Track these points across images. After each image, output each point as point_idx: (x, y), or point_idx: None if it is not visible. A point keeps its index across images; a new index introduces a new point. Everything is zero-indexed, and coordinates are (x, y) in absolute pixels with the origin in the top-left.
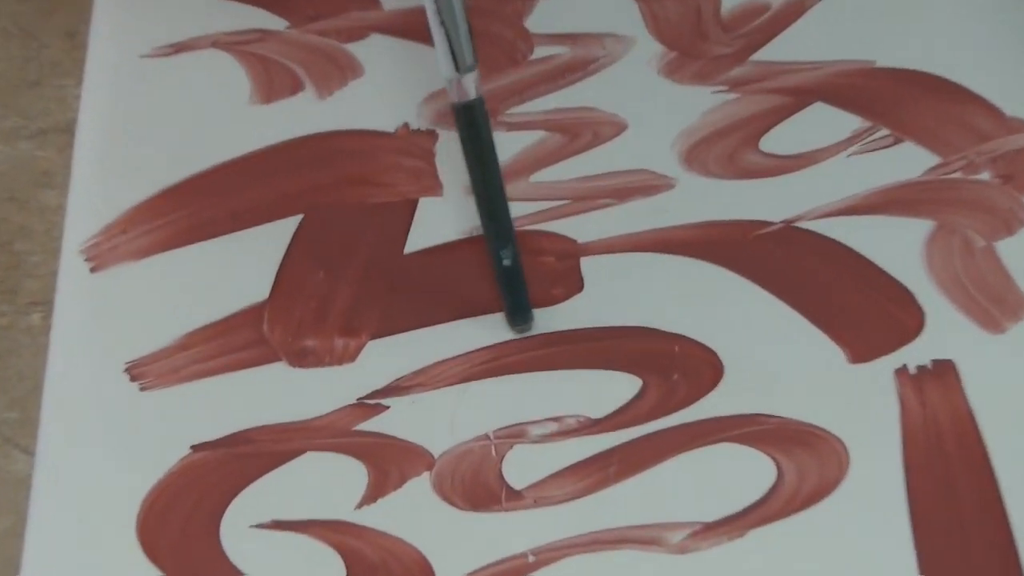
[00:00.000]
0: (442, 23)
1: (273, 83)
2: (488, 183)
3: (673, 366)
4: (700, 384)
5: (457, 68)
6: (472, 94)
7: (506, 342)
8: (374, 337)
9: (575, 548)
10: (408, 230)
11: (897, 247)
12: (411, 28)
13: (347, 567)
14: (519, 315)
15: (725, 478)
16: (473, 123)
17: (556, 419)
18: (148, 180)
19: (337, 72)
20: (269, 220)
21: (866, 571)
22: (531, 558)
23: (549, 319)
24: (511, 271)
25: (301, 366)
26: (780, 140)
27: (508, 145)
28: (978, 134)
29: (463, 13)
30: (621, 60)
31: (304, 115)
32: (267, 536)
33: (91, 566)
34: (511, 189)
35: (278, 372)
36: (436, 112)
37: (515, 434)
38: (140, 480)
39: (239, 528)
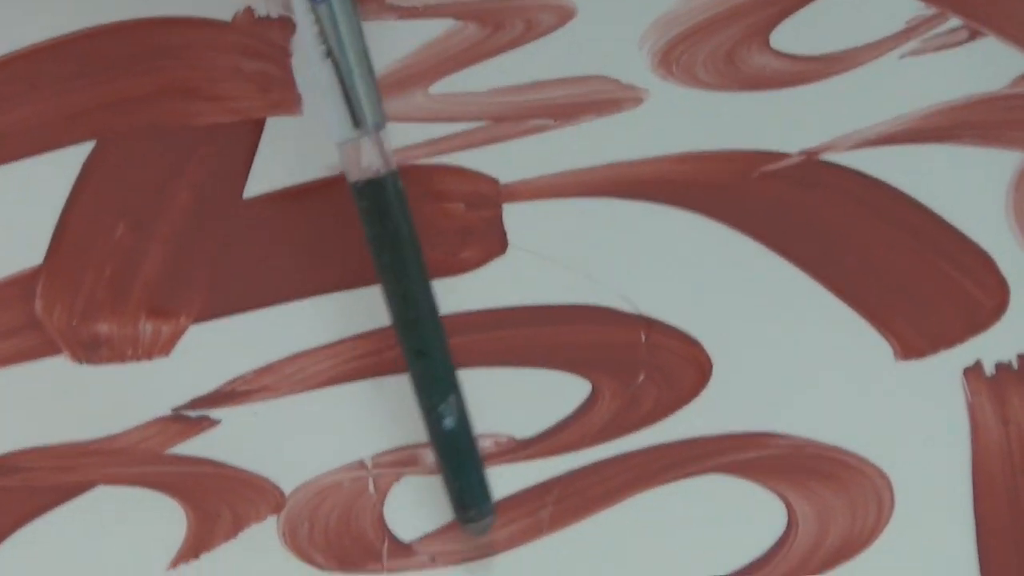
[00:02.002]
0: (335, 65)
1: None
2: (411, 299)
3: (638, 363)
4: (677, 389)
5: (356, 124)
6: (379, 163)
7: (390, 328)
8: (198, 320)
9: None
10: (250, 164)
11: (971, 191)
12: None
13: None
14: (472, 504)
15: (712, 526)
16: (384, 208)
17: None
18: None
19: None
20: (45, 149)
21: None
22: None
23: (456, 294)
24: (455, 437)
25: (90, 361)
26: (800, 33)
27: (401, 39)
28: None
29: (363, 53)
30: None
31: None
32: None
33: None
34: (403, 104)
35: (57, 370)
36: None
37: (404, 460)
38: None
39: None
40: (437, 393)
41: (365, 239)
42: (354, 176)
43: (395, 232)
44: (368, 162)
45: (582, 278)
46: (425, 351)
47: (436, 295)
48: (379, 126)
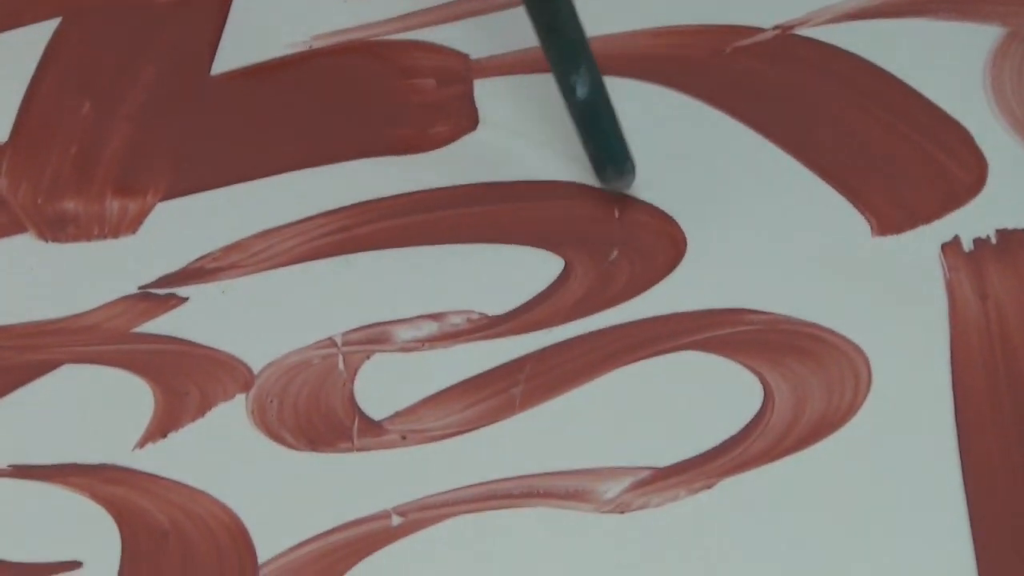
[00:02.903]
0: None
1: None
2: None
3: (611, 239)
4: (651, 265)
5: None
6: None
7: (363, 203)
8: (165, 198)
9: (460, 505)
10: (217, 41)
11: (948, 66)
12: None
13: (121, 534)
14: (613, 162)
15: (685, 403)
16: None
17: (435, 316)
18: None
19: None
20: (9, 27)
21: (893, 539)
22: (395, 520)
23: (427, 170)
24: (590, 105)
25: (56, 240)
26: None
27: None
28: None
29: None
30: None
31: None
32: (2, 488)
33: None
34: None
35: (23, 248)
36: None
37: (374, 338)
38: None
39: None
40: (569, 65)
41: None
42: None
43: None
44: None
45: (554, 154)
46: (556, 26)
47: None
48: None
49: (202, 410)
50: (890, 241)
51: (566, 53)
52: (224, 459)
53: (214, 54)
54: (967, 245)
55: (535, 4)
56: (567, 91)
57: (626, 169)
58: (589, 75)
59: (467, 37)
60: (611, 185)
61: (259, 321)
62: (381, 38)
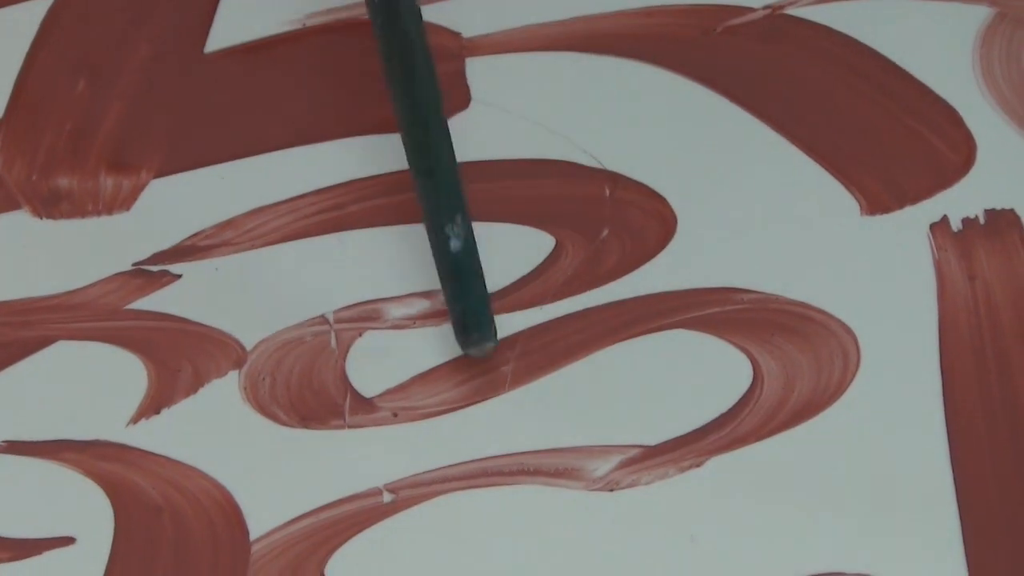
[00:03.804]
0: None
1: None
2: (419, 109)
3: (602, 218)
4: (642, 244)
5: None
6: None
7: (356, 181)
8: (159, 175)
9: (451, 483)
10: (211, 19)
11: (937, 46)
12: None
13: (115, 509)
14: (474, 327)
15: (675, 381)
16: (395, 18)
17: (425, 294)
18: None
19: None
20: (4, 4)
21: (881, 516)
22: (387, 497)
23: None
24: (461, 260)
25: (51, 216)
26: None
27: None
28: None
29: None
30: None
31: None
32: None
33: None
34: None
35: (17, 225)
36: None
37: (365, 315)
38: None
39: None
40: (444, 213)
41: (378, 51)
42: None
43: (404, 37)
44: None
45: (546, 133)
46: (433, 169)
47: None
48: None
49: (195, 387)
50: (879, 221)
51: (443, 199)
52: (217, 436)
53: (208, 32)
54: (955, 225)
55: (416, 149)
56: (440, 242)
57: (488, 337)
58: (463, 226)
59: (460, 16)
60: (471, 352)
61: (252, 298)
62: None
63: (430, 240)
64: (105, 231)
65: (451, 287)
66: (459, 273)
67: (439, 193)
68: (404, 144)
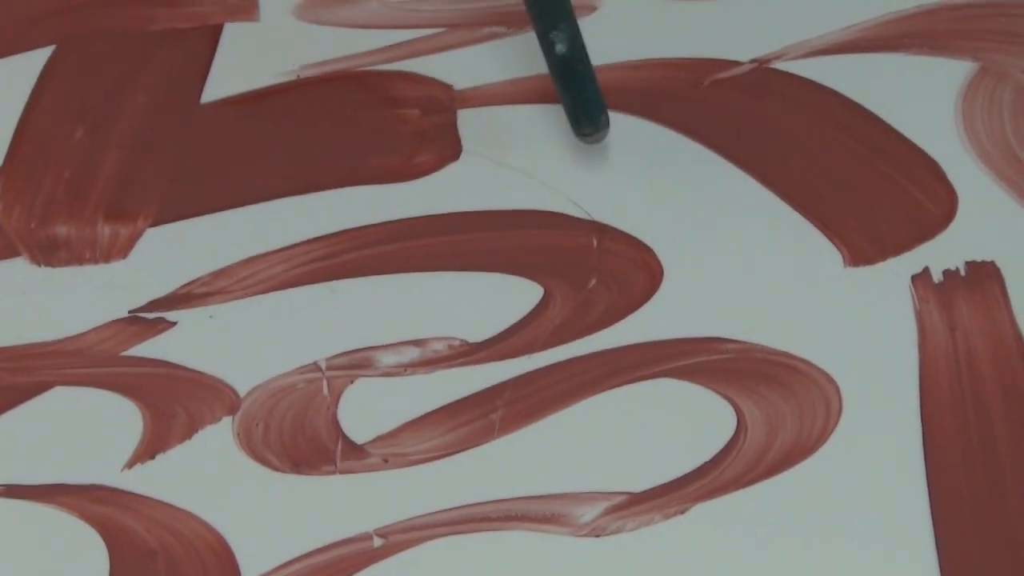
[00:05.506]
0: None
1: None
2: None
3: (590, 268)
4: (628, 294)
5: None
6: None
7: (348, 231)
8: (156, 223)
9: (441, 528)
10: (208, 69)
11: (920, 100)
12: None
13: (110, 552)
14: (588, 114)
15: (661, 429)
16: None
17: (417, 342)
18: None
19: None
20: (5, 54)
21: (861, 565)
22: (377, 542)
23: (411, 198)
24: (568, 60)
25: (49, 264)
26: None
27: None
28: None
29: None
30: None
31: None
32: None
33: None
34: (358, 11)
35: (15, 272)
36: None
37: (357, 363)
38: None
39: None
40: (548, 21)
41: None
42: None
43: None
44: None
45: (535, 183)
46: None
47: None
48: None
49: (189, 432)
50: (862, 272)
51: (546, 10)
52: (211, 480)
53: (204, 82)
54: (937, 277)
55: None
56: (547, 47)
57: (601, 123)
58: (568, 32)
59: (451, 68)
60: (586, 138)
61: (246, 345)
62: (367, 68)
63: (541, 48)
64: (102, 278)
65: (559, 86)
66: (566, 71)
67: (543, 4)
68: None
